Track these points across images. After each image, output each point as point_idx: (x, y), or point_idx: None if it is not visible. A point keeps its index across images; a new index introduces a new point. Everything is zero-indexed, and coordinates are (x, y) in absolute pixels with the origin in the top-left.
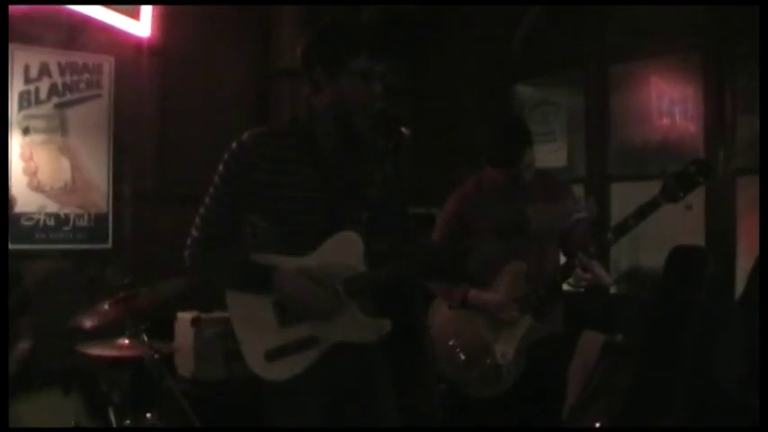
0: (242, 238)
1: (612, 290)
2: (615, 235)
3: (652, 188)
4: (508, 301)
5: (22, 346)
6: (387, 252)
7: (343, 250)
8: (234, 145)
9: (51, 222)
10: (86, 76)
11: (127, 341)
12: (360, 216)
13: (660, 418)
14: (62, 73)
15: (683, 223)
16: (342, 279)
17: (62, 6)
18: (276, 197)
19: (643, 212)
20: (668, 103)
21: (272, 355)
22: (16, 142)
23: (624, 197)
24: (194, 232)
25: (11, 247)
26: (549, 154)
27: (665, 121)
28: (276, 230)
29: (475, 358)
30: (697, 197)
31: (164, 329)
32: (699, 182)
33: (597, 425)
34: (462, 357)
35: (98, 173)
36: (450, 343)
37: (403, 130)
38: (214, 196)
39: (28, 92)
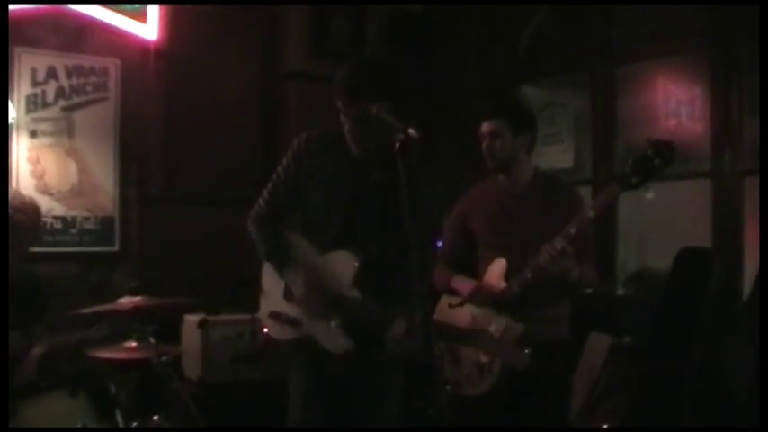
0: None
1: (620, 291)
2: (576, 229)
3: (658, 189)
4: (480, 288)
5: (38, 351)
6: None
7: (339, 269)
8: (295, 141)
9: (58, 225)
10: (93, 78)
11: (134, 344)
12: (374, 237)
13: (667, 420)
14: (69, 76)
15: (690, 224)
16: (330, 292)
17: (68, 9)
18: (310, 196)
19: (600, 203)
20: (675, 105)
21: (273, 316)
22: (23, 145)
23: (630, 198)
24: (255, 206)
25: None
26: (556, 155)
27: (672, 122)
28: (306, 223)
29: (463, 356)
30: (704, 198)
31: (171, 332)
32: (657, 166)
33: (604, 426)
34: (454, 353)
35: (105, 176)
36: (441, 342)
37: (410, 131)
38: (273, 181)
39: (35, 95)
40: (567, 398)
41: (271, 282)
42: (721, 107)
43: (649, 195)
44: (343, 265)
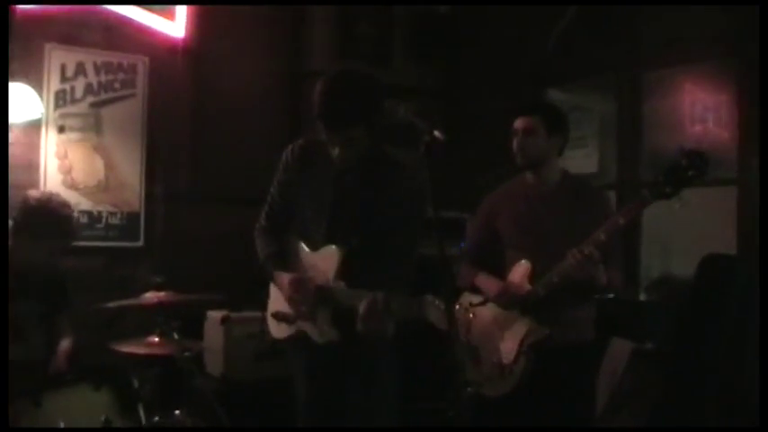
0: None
1: (642, 296)
2: (605, 235)
3: (684, 195)
4: (506, 289)
5: (65, 344)
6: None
7: (324, 262)
8: (284, 152)
9: (85, 220)
10: (121, 75)
11: (157, 339)
12: (357, 233)
13: (688, 426)
14: (97, 72)
15: (714, 231)
16: (315, 286)
17: (98, 7)
18: (301, 200)
19: (630, 211)
20: (701, 110)
21: (276, 316)
22: (52, 140)
23: (656, 204)
24: (262, 213)
25: None
26: (581, 159)
27: (698, 127)
28: (301, 226)
29: (484, 357)
30: (729, 205)
31: (194, 328)
32: (690, 177)
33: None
34: (473, 355)
35: (131, 172)
36: (463, 341)
37: (436, 133)
38: (270, 193)
39: (64, 91)
40: (589, 401)
41: (275, 289)
42: (748, 113)
43: (676, 205)
44: (328, 258)
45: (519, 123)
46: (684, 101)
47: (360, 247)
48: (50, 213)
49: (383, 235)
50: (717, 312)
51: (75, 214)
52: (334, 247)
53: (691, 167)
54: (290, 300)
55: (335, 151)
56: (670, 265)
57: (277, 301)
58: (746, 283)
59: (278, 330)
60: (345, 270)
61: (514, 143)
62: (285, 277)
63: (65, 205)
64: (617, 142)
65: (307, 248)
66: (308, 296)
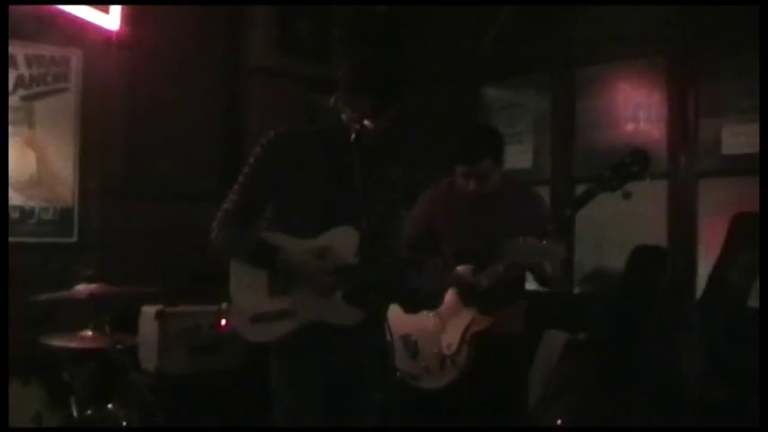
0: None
1: (576, 290)
2: (553, 226)
3: (626, 188)
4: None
5: None
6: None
7: (341, 242)
8: (263, 139)
9: (16, 215)
10: (54, 68)
11: (90, 333)
12: (360, 218)
13: (621, 414)
14: (29, 65)
15: (645, 225)
16: (334, 266)
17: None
18: (290, 188)
19: (579, 201)
20: (633, 107)
21: (256, 319)
22: None
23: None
24: (221, 212)
25: None
26: (516, 155)
27: (630, 124)
28: (286, 217)
29: (423, 348)
30: (659, 199)
31: (127, 322)
32: (634, 172)
33: (559, 422)
34: (412, 347)
35: (64, 166)
36: (401, 333)
37: (366, 122)
38: (242, 182)
39: None
40: (524, 392)
41: (243, 288)
42: (678, 110)
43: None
44: (344, 238)
45: (472, 170)
46: (617, 98)
47: (368, 228)
48: None
49: (389, 218)
50: (647, 302)
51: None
52: (349, 227)
53: (635, 164)
54: (308, 280)
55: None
56: (602, 258)
57: (252, 303)
58: (676, 274)
59: (269, 332)
60: (364, 249)
61: (467, 185)
62: (299, 256)
63: None
64: (551, 138)
65: (297, 240)
66: (329, 276)
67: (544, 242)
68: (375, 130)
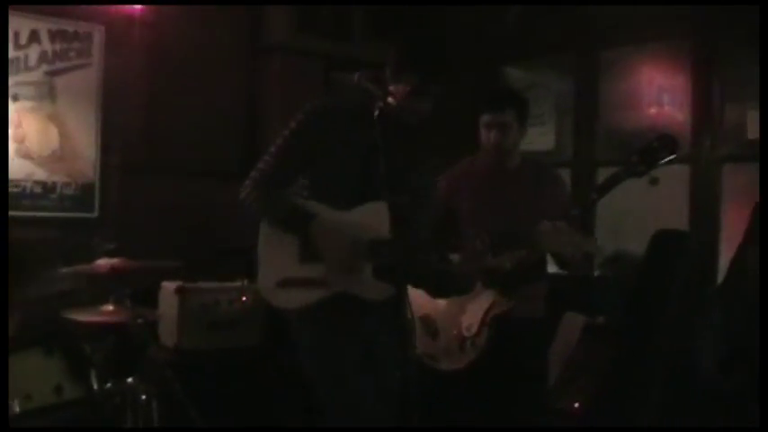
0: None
1: (596, 273)
2: (579, 210)
3: (653, 173)
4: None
5: (16, 316)
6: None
7: (374, 216)
8: (307, 106)
9: (38, 190)
10: (76, 44)
11: (111, 307)
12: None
13: (638, 399)
14: (52, 40)
15: (667, 207)
16: (367, 239)
17: None
18: (327, 161)
19: (605, 187)
20: (657, 90)
21: (284, 284)
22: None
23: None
24: (255, 173)
25: None
26: (538, 137)
27: (653, 107)
28: (319, 188)
29: (442, 329)
30: (682, 183)
31: (148, 297)
32: (661, 157)
33: (576, 405)
34: (431, 328)
35: (86, 142)
36: (421, 314)
37: (389, 99)
38: (281, 146)
39: (17, 58)
40: (543, 375)
41: (273, 250)
42: (702, 93)
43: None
44: (378, 213)
45: (493, 119)
46: (640, 81)
47: (401, 206)
48: None
49: (421, 196)
50: (667, 286)
51: (29, 184)
52: (382, 203)
53: (662, 149)
54: (338, 253)
55: (404, 98)
56: (623, 242)
57: (281, 267)
58: (697, 259)
59: (296, 298)
60: (395, 225)
61: (488, 137)
62: (333, 227)
63: None
64: (573, 121)
65: (331, 210)
66: (360, 250)
67: (576, 233)
68: (418, 108)
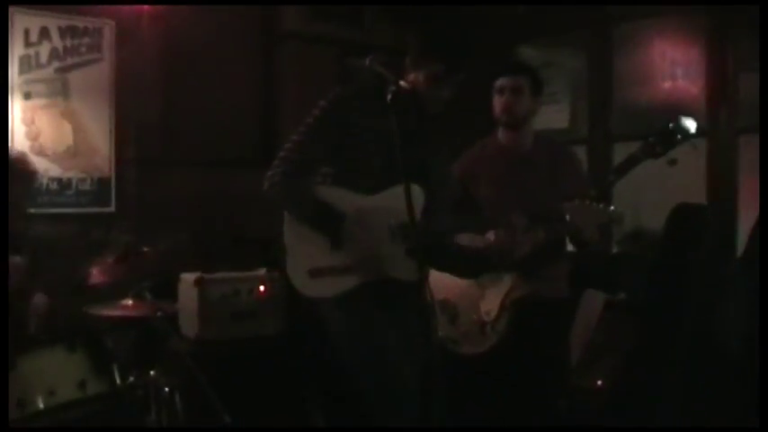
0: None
1: (615, 249)
2: (596, 191)
3: (671, 154)
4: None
5: (39, 300)
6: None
7: (399, 201)
8: (330, 94)
9: (54, 186)
10: (87, 39)
11: (131, 301)
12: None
13: (662, 376)
14: (62, 37)
15: (684, 182)
16: (398, 222)
17: None
18: (351, 148)
19: (623, 168)
20: (671, 64)
21: (315, 273)
22: (18, 107)
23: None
24: (278, 162)
25: None
26: (552, 115)
27: (668, 81)
28: (343, 174)
29: (462, 314)
30: (698, 156)
31: (167, 290)
32: (679, 139)
33: (599, 383)
34: (451, 312)
35: (101, 137)
36: (441, 298)
37: (402, 83)
38: (305, 134)
39: (28, 56)
40: (566, 356)
41: (301, 240)
42: (717, 65)
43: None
44: (402, 198)
45: (506, 82)
46: (654, 55)
47: (426, 188)
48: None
49: (442, 177)
50: (688, 260)
51: (45, 181)
52: (415, 185)
53: (680, 130)
54: (372, 237)
55: (429, 87)
56: (641, 217)
57: (311, 257)
58: (717, 231)
59: (327, 287)
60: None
61: (500, 101)
62: (365, 213)
63: (16, 161)
64: (588, 97)
65: (356, 195)
66: (395, 232)
67: (602, 206)
68: (441, 96)
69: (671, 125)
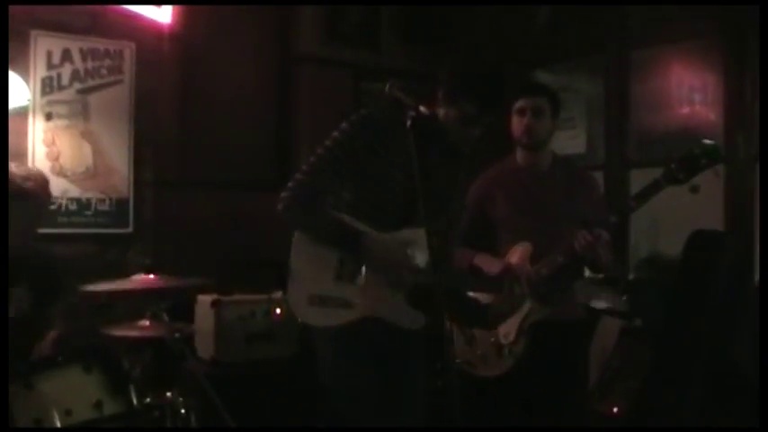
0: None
1: (632, 276)
2: (616, 217)
3: (693, 181)
4: (508, 268)
5: (54, 333)
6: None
7: (414, 242)
8: (353, 117)
9: (73, 207)
10: (108, 61)
11: (148, 322)
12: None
13: (678, 401)
14: (84, 59)
15: (702, 208)
16: (411, 264)
17: None
18: (372, 175)
19: (645, 194)
20: (688, 89)
21: (314, 301)
22: (39, 127)
23: (644, 184)
24: (294, 184)
25: None
26: (569, 140)
27: (685, 106)
28: (361, 204)
29: (479, 336)
30: (716, 182)
31: (184, 311)
32: (703, 165)
33: (615, 409)
34: (468, 334)
35: (119, 158)
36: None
37: (421, 108)
38: (324, 156)
39: (50, 77)
40: (584, 379)
41: (306, 265)
42: (734, 91)
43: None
44: (417, 240)
45: (527, 103)
46: (671, 80)
47: (440, 229)
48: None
49: (448, 219)
50: (705, 287)
51: (64, 201)
52: (419, 229)
53: (703, 156)
54: (383, 274)
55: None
56: (658, 243)
57: (314, 283)
58: (734, 258)
59: (327, 317)
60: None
61: (521, 123)
62: (383, 247)
63: (25, 179)
64: (605, 123)
65: (372, 229)
66: (402, 275)
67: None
68: (469, 135)
69: (695, 151)
